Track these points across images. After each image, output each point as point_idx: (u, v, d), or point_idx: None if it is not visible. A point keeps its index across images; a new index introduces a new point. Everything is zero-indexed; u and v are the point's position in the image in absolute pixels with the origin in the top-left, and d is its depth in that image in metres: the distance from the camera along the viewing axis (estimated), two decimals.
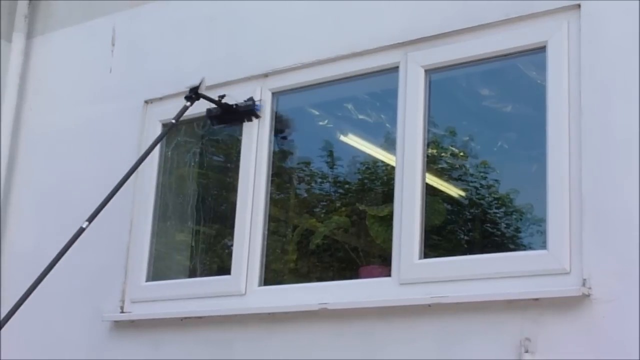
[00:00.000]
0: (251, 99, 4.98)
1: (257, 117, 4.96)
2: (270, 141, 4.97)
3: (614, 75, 3.91)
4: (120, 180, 4.68)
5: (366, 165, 5.50)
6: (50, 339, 5.37)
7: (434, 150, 4.96)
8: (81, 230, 4.58)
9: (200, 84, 4.89)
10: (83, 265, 5.38)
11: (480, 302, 3.98)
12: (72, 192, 5.54)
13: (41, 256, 5.15)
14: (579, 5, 4.06)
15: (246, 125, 4.99)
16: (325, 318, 4.39)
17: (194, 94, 4.90)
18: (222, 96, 5.02)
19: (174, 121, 4.86)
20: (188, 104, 4.89)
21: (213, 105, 5.04)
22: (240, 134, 5.03)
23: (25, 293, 4.28)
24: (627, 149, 3.81)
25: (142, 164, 5.30)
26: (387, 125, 4.96)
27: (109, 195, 4.69)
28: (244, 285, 4.75)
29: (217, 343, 4.72)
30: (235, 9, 5.28)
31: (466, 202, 5.22)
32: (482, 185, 5.05)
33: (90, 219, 4.61)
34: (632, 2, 3.94)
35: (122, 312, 5.16)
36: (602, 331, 3.67)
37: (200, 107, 5.19)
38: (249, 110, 4.97)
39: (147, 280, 5.18)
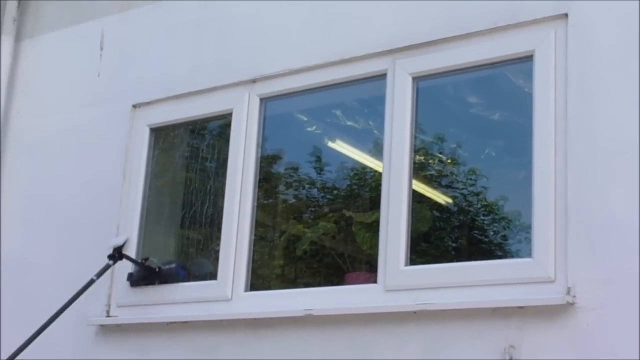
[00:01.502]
0: (174, 262, 5.02)
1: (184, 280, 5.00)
2: (257, 146, 4.97)
3: (600, 85, 3.92)
4: (50, 317, 4.80)
5: (354, 172, 5.50)
6: (35, 343, 5.35)
7: (422, 157, 4.97)
8: None
9: (123, 243, 4.91)
10: (69, 269, 5.37)
11: (465, 309, 3.99)
12: (59, 197, 5.53)
13: (28, 261, 5.17)
14: (566, 15, 4.07)
15: (233, 130, 4.99)
16: (311, 324, 4.39)
17: (117, 254, 4.91)
18: (146, 259, 5.03)
19: (95, 278, 4.85)
20: (111, 262, 4.90)
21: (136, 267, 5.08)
22: (228, 139, 5.03)
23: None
24: (612, 157, 3.82)
25: (129, 168, 5.32)
26: (375, 131, 4.97)
27: (38, 329, 4.71)
28: (230, 290, 4.75)
29: (202, 348, 4.72)
30: (224, 14, 5.28)
31: (454, 209, 5.23)
32: (470, 192, 5.05)
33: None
34: (619, 12, 3.96)
35: (108, 316, 5.15)
36: (586, 339, 3.68)
37: (186, 112, 5.23)
38: (171, 275, 4.99)
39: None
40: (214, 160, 5.37)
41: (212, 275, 4.88)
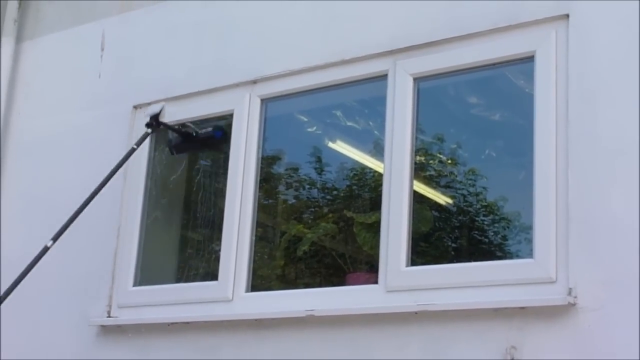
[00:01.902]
0: (209, 126, 5.06)
1: (220, 145, 5.06)
2: (258, 147, 4.98)
3: (601, 85, 3.93)
4: (86, 199, 4.83)
5: (354, 172, 5.50)
6: (36, 343, 5.36)
7: (422, 158, 4.97)
8: (45, 249, 4.61)
9: (160, 111, 4.95)
10: (70, 269, 5.38)
11: (466, 310, 4.00)
12: (60, 198, 5.52)
13: (28, 262, 5.14)
14: (567, 16, 4.08)
15: (234, 131, 5.00)
16: (312, 325, 4.40)
17: (154, 122, 4.97)
18: (183, 124, 5.08)
19: (135, 147, 4.95)
20: (149, 130, 4.98)
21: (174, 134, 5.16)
22: (229, 139, 5.04)
23: None
24: (613, 158, 3.83)
25: (130, 168, 5.33)
26: (376, 132, 4.97)
27: (75, 212, 4.74)
28: (231, 291, 4.75)
29: (203, 349, 4.72)
30: (224, 15, 5.29)
31: (454, 209, 5.24)
32: (470, 193, 5.06)
33: (55, 238, 4.65)
34: (620, 13, 3.97)
35: (109, 316, 5.15)
36: (588, 340, 3.69)
37: (187, 113, 5.23)
38: (209, 138, 5.03)
39: (135, 285, 5.18)
40: (215, 161, 5.38)
41: None
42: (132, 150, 4.93)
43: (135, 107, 5.43)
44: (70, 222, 4.71)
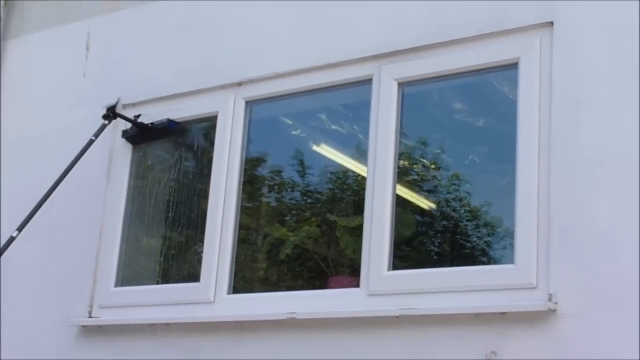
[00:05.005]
0: (165, 118, 5.18)
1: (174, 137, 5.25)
2: (242, 149, 4.98)
3: (584, 93, 3.95)
4: (49, 189, 4.97)
5: (337, 176, 5.50)
6: (17, 343, 5.35)
7: (406, 162, 4.98)
8: (11, 240, 4.66)
9: (116, 103, 5.10)
10: (52, 269, 5.37)
11: (447, 315, 4.01)
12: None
13: (12, 261, 5.14)
14: (551, 23, 4.10)
15: (218, 133, 5.00)
16: (293, 328, 4.40)
17: (111, 113, 5.17)
18: (138, 116, 5.19)
19: (93, 138, 5.10)
20: (106, 122, 5.16)
21: (129, 126, 5.29)
22: (214, 141, 5.04)
23: None
24: (595, 165, 3.85)
25: (113, 169, 5.33)
26: (360, 136, 4.98)
27: (39, 201, 4.79)
28: (212, 293, 4.76)
29: (185, 350, 4.72)
30: (210, 17, 5.29)
31: (437, 214, 5.24)
32: (453, 198, 5.07)
33: (20, 228, 4.71)
34: (604, 21, 3.99)
35: (90, 317, 5.15)
36: (567, 346, 3.71)
37: (172, 114, 5.22)
38: (163, 129, 5.11)
39: (116, 285, 5.17)
40: (199, 163, 5.37)
41: None
42: (91, 142, 5.05)
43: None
44: (34, 212, 4.79)
